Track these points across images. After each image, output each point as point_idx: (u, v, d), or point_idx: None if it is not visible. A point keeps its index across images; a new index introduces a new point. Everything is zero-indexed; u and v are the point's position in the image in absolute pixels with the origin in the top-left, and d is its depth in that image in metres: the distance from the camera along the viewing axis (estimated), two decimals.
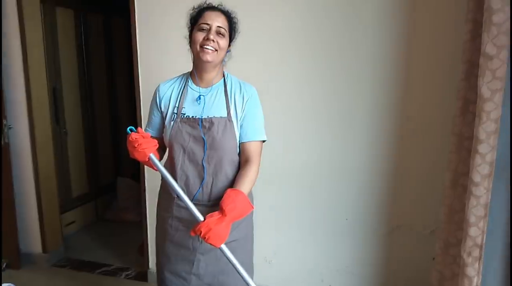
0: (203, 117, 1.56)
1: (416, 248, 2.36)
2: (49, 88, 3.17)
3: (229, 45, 1.61)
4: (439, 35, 2.13)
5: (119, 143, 4.39)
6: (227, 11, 1.60)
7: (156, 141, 1.52)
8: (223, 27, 1.54)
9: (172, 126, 1.59)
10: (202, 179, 1.57)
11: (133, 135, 1.48)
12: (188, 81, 1.64)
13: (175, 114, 1.60)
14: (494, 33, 1.54)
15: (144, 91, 2.65)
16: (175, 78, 1.69)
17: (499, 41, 1.54)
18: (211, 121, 1.55)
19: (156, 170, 1.53)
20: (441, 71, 2.16)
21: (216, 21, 1.53)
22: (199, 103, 1.59)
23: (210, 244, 1.37)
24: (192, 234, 1.39)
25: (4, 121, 2.88)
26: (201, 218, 1.41)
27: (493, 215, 1.67)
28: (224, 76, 1.65)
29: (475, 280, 1.67)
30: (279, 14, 2.33)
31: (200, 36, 1.52)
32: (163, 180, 1.66)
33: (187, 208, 1.47)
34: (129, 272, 3.07)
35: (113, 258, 3.27)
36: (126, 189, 4.16)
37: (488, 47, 1.57)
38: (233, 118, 1.57)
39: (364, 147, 2.35)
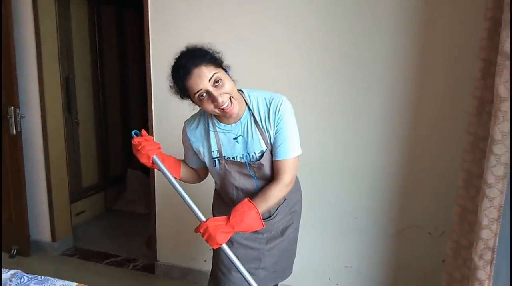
0: (248, 159, 1.53)
1: (426, 249, 2.32)
2: (62, 78, 3.18)
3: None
4: (456, 33, 2.08)
5: (129, 134, 4.40)
6: (204, 58, 1.39)
7: (159, 145, 1.53)
8: (212, 75, 1.37)
9: (219, 169, 1.58)
10: None
11: (136, 139, 1.51)
12: (213, 122, 1.55)
13: (217, 159, 1.56)
14: None
15: (156, 85, 2.65)
16: (197, 118, 1.61)
17: None
18: (260, 163, 1.52)
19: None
20: (457, 70, 2.11)
21: (203, 80, 1.36)
22: (238, 142, 1.54)
23: (207, 242, 1.39)
24: (195, 231, 1.41)
25: (17, 110, 2.90)
26: (203, 218, 1.43)
27: (506, 218, 1.63)
28: (246, 101, 1.53)
29: (486, 283, 1.63)
30: (292, 7, 2.30)
31: (208, 105, 1.40)
32: (220, 188, 1.69)
33: None
34: (136, 263, 3.08)
35: (121, 249, 3.29)
36: (136, 181, 4.19)
37: (507, 46, 1.52)
38: (271, 146, 1.53)
39: (376, 145, 2.31)
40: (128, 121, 4.36)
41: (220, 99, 1.37)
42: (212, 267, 1.77)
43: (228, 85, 1.40)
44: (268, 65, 2.40)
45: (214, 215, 1.76)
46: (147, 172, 2.97)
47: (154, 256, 2.92)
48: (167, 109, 2.62)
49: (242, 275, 1.45)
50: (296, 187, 1.73)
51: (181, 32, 2.51)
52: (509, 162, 1.57)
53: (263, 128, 1.52)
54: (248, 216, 1.38)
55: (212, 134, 1.55)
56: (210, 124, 1.56)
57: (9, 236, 3.10)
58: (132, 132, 1.53)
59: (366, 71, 2.25)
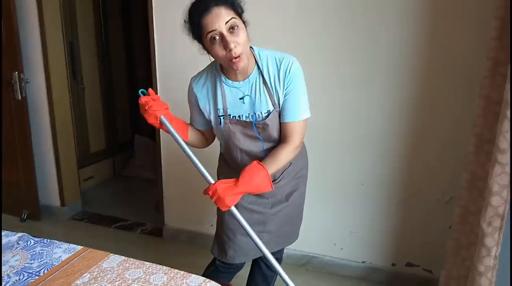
0: (254, 119, 1.50)
1: (433, 215, 2.30)
2: (66, 44, 3.13)
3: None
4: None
5: (136, 100, 4.36)
6: None
7: (167, 105, 1.47)
8: (230, 19, 1.30)
9: (223, 128, 1.54)
10: None
11: (143, 98, 1.44)
12: (221, 78, 1.50)
13: (222, 117, 1.52)
14: None
15: (160, 49, 2.59)
16: (205, 74, 1.56)
17: None
18: (265, 123, 1.49)
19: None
20: (469, 28, 2.01)
21: (220, 20, 1.29)
22: (243, 103, 1.50)
23: (215, 204, 1.38)
24: (204, 193, 1.39)
25: (21, 75, 2.87)
26: (211, 180, 1.41)
27: None
28: (256, 59, 1.48)
29: (493, 250, 1.61)
30: None
31: (219, 50, 1.33)
32: (224, 151, 1.67)
33: None
34: (144, 227, 3.13)
35: (130, 213, 3.33)
36: (144, 147, 4.20)
37: None
38: (278, 107, 1.49)
39: (383, 111, 2.25)
40: (134, 86, 4.32)
41: (232, 45, 1.30)
42: (216, 231, 1.77)
43: (243, 36, 1.34)
44: (274, 28, 2.31)
45: (219, 178, 1.71)
46: (155, 138, 2.96)
47: (162, 220, 2.96)
48: (172, 73, 2.57)
49: (251, 237, 1.41)
50: (302, 152, 1.70)
51: None
52: None
53: (272, 88, 1.48)
54: (258, 176, 1.37)
55: (219, 90, 1.51)
56: (218, 80, 1.51)
57: (19, 201, 3.15)
58: (139, 92, 1.47)
59: (374, 36, 2.16)
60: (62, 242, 1.65)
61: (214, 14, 1.29)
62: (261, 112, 1.50)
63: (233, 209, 1.40)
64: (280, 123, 1.51)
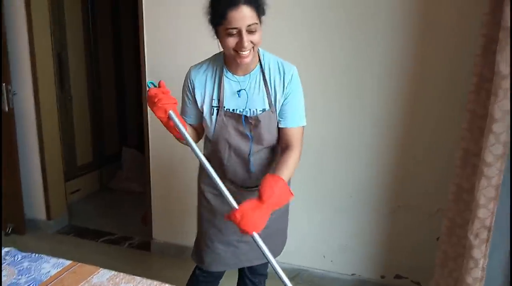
0: (247, 114, 1.50)
1: (421, 227, 2.33)
2: (54, 54, 3.12)
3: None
4: (459, 9, 2.03)
5: (125, 112, 4.36)
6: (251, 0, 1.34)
7: (176, 100, 1.42)
8: (253, 22, 1.33)
9: (216, 120, 1.52)
10: (249, 170, 1.58)
11: (152, 90, 1.38)
12: (223, 70, 1.51)
13: (216, 108, 1.51)
14: None
15: (150, 58, 2.59)
16: (206, 63, 1.55)
17: None
18: (257, 118, 1.49)
19: (177, 135, 1.45)
20: (456, 45, 2.07)
21: (244, 21, 1.31)
22: (239, 96, 1.50)
23: (243, 230, 1.30)
24: (226, 219, 1.33)
25: (9, 87, 2.85)
26: (235, 205, 1.32)
27: (502, 197, 1.62)
28: (259, 58, 1.51)
29: (481, 262, 1.64)
30: None
31: (231, 42, 1.35)
32: (210, 149, 1.63)
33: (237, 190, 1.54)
34: (132, 241, 3.09)
35: (117, 227, 3.29)
36: (131, 159, 4.16)
37: (510, 21, 1.48)
38: (275, 107, 1.51)
39: (372, 124, 2.29)
40: (122, 98, 4.31)
41: (246, 44, 1.34)
42: (196, 238, 1.77)
43: (258, 38, 1.38)
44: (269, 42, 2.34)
45: (200, 186, 1.71)
46: (142, 150, 2.94)
47: (150, 234, 2.93)
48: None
49: (272, 266, 1.34)
50: None
51: (177, 4, 2.44)
52: (509, 141, 1.55)
53: (271, 87, 1.51)
54: (278, 187, 1.33)
55: (217, 80, 1.51)
56: (218, 71, 1.52)
57: (4, 214, 3.08)
58: (148, 83, 1.40)
59: (361, 48, 2.20)
60: (51, 257, 1.63)
61: (240, 13, 1.30)
62: (256, 109, 1.50)
63: (256, 235, 1.33)
64: (272, 126, 1.53)
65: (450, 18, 2.05)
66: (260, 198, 1.31)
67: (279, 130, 1.55)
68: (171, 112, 1.38)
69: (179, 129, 1.39)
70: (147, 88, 1.40)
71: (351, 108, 2.30)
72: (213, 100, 1.52)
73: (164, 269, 2.70)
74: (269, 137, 1.55)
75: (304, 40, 2.29)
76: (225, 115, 1.51)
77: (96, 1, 3.80)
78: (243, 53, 1.37)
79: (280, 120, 1.53)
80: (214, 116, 1.53)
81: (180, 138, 1.46)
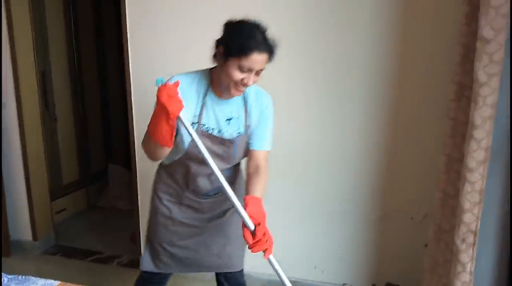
0: (224, 136, 1.56)
1: (409, 234, 2.36)
2: (38, 72, 3.10)
3: None
4: (436, 18, 2.10)
5: (110, 129, 4.33)
6: (272, 50, 1.42)
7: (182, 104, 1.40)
8: (264, 67, 1.43)
9: (191, 139, 1.49)
10: (212, 183, 1.64)
11: (164, 90, 1.33)
12: (208, 89, 1.54)
13: (194, 124, 1.53)
14: (492, 15, 1.51)
15: (135, 74, 2.59)
16: (193, 77, 1.55)
17: (497, 24, 1.51)
18: (232, 141, 1.57)
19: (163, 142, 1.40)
20: (436, 55, 2.13)
21: (260, 65, 1.40)
22: (219, 118, 1.55)
23: (268, 251, 1.38)
24: (252, 242, 1.37)
25: None
26: (252, 226, 1.37)
27: (487, 202, 1.65)
28: None
29: (468, 266, 1.66)
30: None
31: (238, 76, 1.40)
32: (168, 164, 1.67)
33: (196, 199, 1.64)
34: (121, 259, 3.05)
35: (105, 245, 3.24)
36: (118, 177, 4.12)
37: (486, 31, 1.53)
38: (249, 131, 1.60)
39: (358, 133, 2.32)
40: (108, 115, 4.28)
41: (251, 83, 1.42)
42: (150, 240, 1.79)
43: (259, 78, 1.47)
44: None
45: (157, 194, 1.75)
46: (129, 167, 2.92)
47: (138, 252, 2.89)
48: (147, 100, 2.57)
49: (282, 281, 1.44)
50: (241, 174, 1.80)
51: (160, 17, 2.45)
52: (490, 146, 1.59)
53: (249, 113, 1.59)
54: (262, 207, 1.45)
55: (201, 97, 1.53)
56: (203, 89, 1.54)
57: None
58: (157, 80, 1.37)
59: (345, 58, 2.25)
60: (38, 278, 1.60)
61: (258, 58, 1.38)
62: (233, 132, 1.58)
63: (271, 257, 1.41)
64: (244, 148, 1.61)
65: (430, 26, 2.12)
66: (257, 221, 1.38)
67: (250, 152, 1.62)
68: (180, 115, 1.36)
69: (189, 131, 1.38)
70: (159, 84, 1.35)
71: (337, 117, 2.34)
72: (194, 116, 1.54)
73: None
74: (238, 158, 1.64)
75: (285, 48, 2.32)
76: (202, 134, 1.53)
77: (79, 16, 3.78)
78: (242, 88, 1.45)
79: (252, 143, 1.60)
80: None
81: (165, 144, 1.42)
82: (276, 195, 2.52)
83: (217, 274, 1.85)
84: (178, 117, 1.36)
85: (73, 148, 3.85)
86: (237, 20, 1.44)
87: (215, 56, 1.47)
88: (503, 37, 1.51)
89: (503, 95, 1.57)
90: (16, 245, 3.11)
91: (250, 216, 1.37)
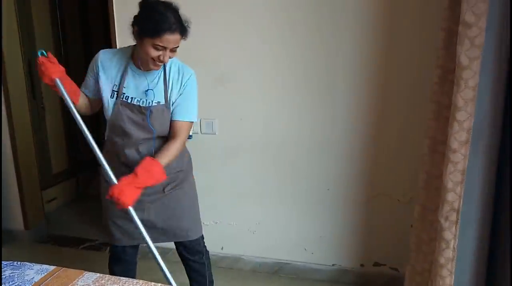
0: (143, 104, 1.69)
1: (395, 215, 2.43)
2: (25, 62, 3.07)
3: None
4: (419, 3, 2.13)
5: (99, 117, 4.30)
6: (184, 29, 1.58)
7: (63, 68, 1.59)
8: (178, 45, 1.59)
9: (113, 109, 1.71)
10: (140, 154, 1.74)
11: (41, 59, 1.53)
12: (129, 62, 1.70)
13: (115, 93, 1.68)
14: (473, 1, 1.55)
15: None
16: (114, 52, 1.75)
17: (478, 9, 1.55)
18: (150, 110, 1.68)
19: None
20: (420, 39, 2.17)
21: (173, 44, 1.56)
22: (139, 87, 1.69)
23: (121, 203, 1.49)
24: (108, 197, 1.52)
25: None
26: (115, 181, 1.53)
27: (469, 181, 1.71)
28: None
29: (452, 243, 1.73)
30: None
31: (154, 53, 1.56)
32: (105, 141, 1.85)
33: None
34: None
35: (97, 233, 3.27)
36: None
37: (467, 15, 1.58)
38: (170, 103, 1.71)
39: (343, 118, 2.37)
40: None
41: (166, 59, 1.58)
42: (103, 221, 1.94)
43: (175, 55, 1.64)
44: (235, 42, 2.39)
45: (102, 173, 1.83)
46: None
47: None
48: None
49: (146, 243, 1.60)
50: (184, 151, 1.91)
51: None
52: (471, 128, 1.64)
53: (168, 84, 1.71)
54: (153, 168, 1.57)
55: (122, 69, 1.70)
56: (124, 62, 1.71)
57: None
58: (39, 52, 1.55)
59: (331, 47, 2.28)
60: (33, 264, 1.63)
61: (171, 38, 1.53)
62: (151, 101, 1.70)
63: (131, 209, 1.52)
64: (165, 119, 1.72)
65: (415, 11, 2.15)
66: (135, 174, 1.54)
67: (170, 123, 1.74)
68: (57, 79, 1.54)
69: (63, 96, 1.56)
70: (37, 57, 1.54)
71: (322, 103, 2.37)
72: (115, 85, 1.69)
73: (148, 271, 2.69)
74: (160, 128, 1.73)
75: (272, 40, 2.35)
76: (121, 103, 1.67)
77: (63, 2, 3.74)
78: (160, 63, 1.60)
79: (173, 114, 1.73)
80: (113, 100, 1.69)
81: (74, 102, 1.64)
82: (268, 181, 2.57)
83: (176, 247, 2.02)
84: (56, 83, 1.55)
85: (61, 138, 3.84)
86: None
87: (133, 33, 1.61)
88: (484, 22, 1.55)
89: (484, 77, 1.62)
90: (8, 234, 3.12)
91: (136, 169, 1.53)
